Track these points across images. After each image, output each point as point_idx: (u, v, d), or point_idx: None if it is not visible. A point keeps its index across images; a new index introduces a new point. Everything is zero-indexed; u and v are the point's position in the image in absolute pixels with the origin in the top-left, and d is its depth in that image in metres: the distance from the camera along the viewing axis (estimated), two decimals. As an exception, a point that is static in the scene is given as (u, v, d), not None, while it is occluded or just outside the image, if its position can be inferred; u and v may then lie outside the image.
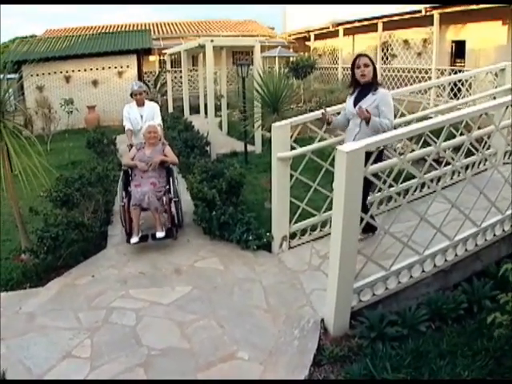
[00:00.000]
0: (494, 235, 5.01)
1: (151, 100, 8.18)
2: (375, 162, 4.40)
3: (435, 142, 4.42)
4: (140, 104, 7.57)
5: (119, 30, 26.79)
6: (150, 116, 7.47)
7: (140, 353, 4.16)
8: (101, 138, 13.14)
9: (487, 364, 3.70)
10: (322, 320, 4.36)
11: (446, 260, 4.72)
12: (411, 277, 4.56)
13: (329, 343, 4.08)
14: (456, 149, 6.19)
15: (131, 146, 7.28)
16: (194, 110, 18.19)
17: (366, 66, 5.20)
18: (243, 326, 4.45)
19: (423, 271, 4.61)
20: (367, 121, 4.97)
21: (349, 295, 4.15)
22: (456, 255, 4.78)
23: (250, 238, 6.10)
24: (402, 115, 6.41)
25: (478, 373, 3.62)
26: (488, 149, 6.83)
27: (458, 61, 17.31)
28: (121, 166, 7.75)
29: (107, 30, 26.76)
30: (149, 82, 21.45)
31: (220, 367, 3.90)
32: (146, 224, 6.74)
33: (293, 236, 5.93)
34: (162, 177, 6.69)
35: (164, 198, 6.50)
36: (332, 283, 4.09)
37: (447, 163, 6.16)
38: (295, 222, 5.89)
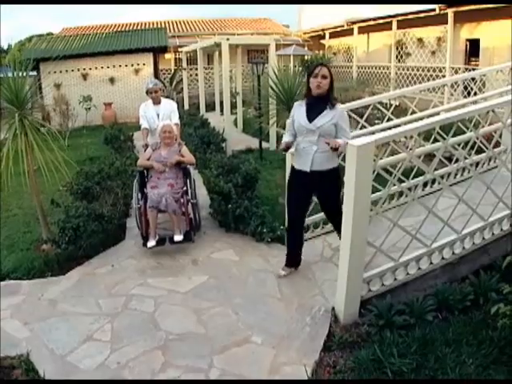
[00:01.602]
0: (502, 230, 5.12)
1: (167, 97, 8.08)
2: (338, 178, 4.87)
3: (444, 139, 4.56)
4: (156, 102, 7.33)
5: (135, 28, 26.99)
6: (166, 114, 7.24)
7: (158, 337, 4.37)
8: (118, 134, 13.38)
9: (491, 353, 3.84)
10: (333, 308, 4.53)
11: (453, 253, 4.86)
12: (419, 268, 4.70)
13: (339, 330, 4.23)
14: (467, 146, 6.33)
15: (146, 145, 7.08)
16: (210, 107, 18.32)
17: (323, 77, 4.76)
18: (257, 313, 4.63)
19: (431, 263, 4.75)
20: (336, 149, 4.57)
21: (358, 285, 4.31)
22: (463, 248, 4.92)
23: (265, 230, 6.27)
24: (413, 112, 6.54)
25: (482, 360, 3.76)
26: (498, 146, 6.95)
27: (473, 59, 17.31)
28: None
29: (123, 29, 26.99)
30: (164, 79, 21.64)
31: (235, 351, 4.09)
32: (162, 225, 6.78)
33: (306, 229, 6.05)
34: (179, 178, 6.55)
35: (181, 200, 6.38)
36: (342, 273, 4.25)
37: (458, 160, 6.28)
38: (308, 216, 6.00)
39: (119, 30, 26.26)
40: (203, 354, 4.09)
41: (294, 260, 5.44)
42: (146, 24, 29.25)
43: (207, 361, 3.99)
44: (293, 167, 5.10)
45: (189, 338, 4.33)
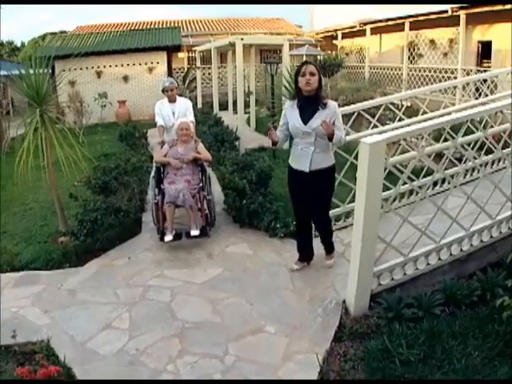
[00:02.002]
0: (509, 228, 5.23)
1: (180, 96, 8.24)
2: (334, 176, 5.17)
3: (454, 139, 4.70)
4: (172, 100, 7.48)
5: (149, 27, 27.27)
6: (182, 112, 7.39)
7: (175, 325, 4.55)
8: (133, 131, 13.64)
9: (497, 346, 3.96)
10: (344, 301, 4.67)
11: (461, 250, 4.99)
12: (428, 264, 4.83)
13: (349, 321, 4.38)
14: (478, 148, 6.45)
15: (163, 142, 7.19)
16: (223, 106, 18.50)
17: (311, 74, 4.77)
18: (270, 304, 4.80)
19: (439, 259, 4.88)
20: (330, 137, 4.74)
21: (369, 278, 4.45)
22: (471, 245, 5.04)
23: (278, 225, 6.40)
24: (424, 113, 6.68)
25: (488, 353, 3.88)
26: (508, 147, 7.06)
27: (485, 61, 17.34)
28: (152, 158, 7.93)
29: (137, 27, 27.26)
30: (178, 78, 21.86)
31: (249, 339, 4.26)
32: (177, 220, 6.85)
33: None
34: (195, 174, 6.70)
35: (198, 196, 6.53)
36: (354, 266, 4.40)
37: (467, 160, 6.39)
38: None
39: (133, 28, 26.50)
40: (219, 341, 4.26)
41: (306, 255, 5.56)
42: (159, 23, 29.53)
43: (223, 348, 4.16)
44: (290, 167, 5.17)
45: (205, 327, 4.51)
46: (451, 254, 4.94)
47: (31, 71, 6.51)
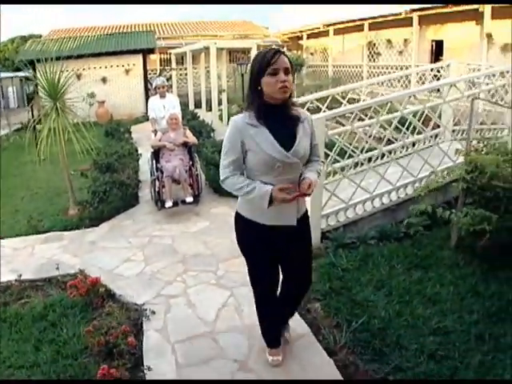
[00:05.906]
0: (429, 185, 6.77)
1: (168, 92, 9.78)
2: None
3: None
4: (162, 96, 9.10)
5: (121, 30, 28.16)
6: (171, 106, 8.92)
7: (178, 256, 6.12)
8: (117, 127, 15.12)
9: (414, 261, 5.40)
10: (302, 238, 6.16)
11: (391, 200, 6.48)
12: (365, 210, 6.33)
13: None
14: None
15: (155, 131, 8.73)
16: (196, 105, 19.86)
17: (287, 72, 3.00)
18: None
19: (374, 207, 6.38)
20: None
21: (319, 218, 5.94)
22: (399, 197, 6.54)
23: (251, 193, 7.85)
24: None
25: (407, 266, 5.30)
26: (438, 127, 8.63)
27: (441, 58, 18.60)
28: (137, 150, 9.37)
29: (110, 31, 28.20)
30: (151, 78, 23.07)
31: (233, 261, 5.70)
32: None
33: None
34: (185, 155, 8.16)
35: (189, 172, 7.95)
36: (307, 210, 5.93)
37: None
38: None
39: (107, 33, 27.25)
40: (212, 263, 5.83)
41: (279, 334, 3.98)
42: (131, 26, 30.28)
43: (214, 267, 5.73)
44: (255, 224, 3.41)
45: (200, 256, 6.08)
46: (383, 203, 6.44)
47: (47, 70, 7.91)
